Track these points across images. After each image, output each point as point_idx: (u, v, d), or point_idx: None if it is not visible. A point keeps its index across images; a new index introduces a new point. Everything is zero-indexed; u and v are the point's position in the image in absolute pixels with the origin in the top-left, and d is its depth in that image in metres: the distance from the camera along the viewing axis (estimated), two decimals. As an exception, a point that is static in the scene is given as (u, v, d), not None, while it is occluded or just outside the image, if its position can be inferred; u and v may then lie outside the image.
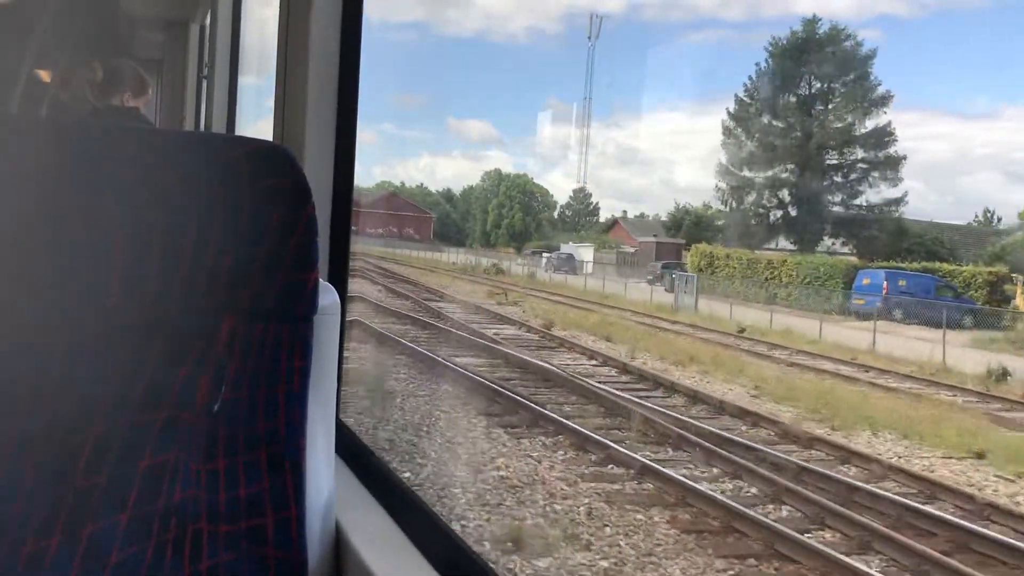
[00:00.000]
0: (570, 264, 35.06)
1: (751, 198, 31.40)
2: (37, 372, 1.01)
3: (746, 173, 31.45)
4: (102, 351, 1.03)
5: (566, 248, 38.37)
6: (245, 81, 3.95)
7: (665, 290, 26.07)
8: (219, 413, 1.06)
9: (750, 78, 31.16)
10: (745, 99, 31.24)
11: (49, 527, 0.97)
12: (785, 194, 30.72)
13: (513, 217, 45.78)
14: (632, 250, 36.25)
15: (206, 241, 1.06)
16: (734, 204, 31.91)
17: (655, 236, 35.64)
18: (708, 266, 28.08)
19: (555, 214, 46.73)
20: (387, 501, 1.37)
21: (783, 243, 30.31)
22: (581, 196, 45.49)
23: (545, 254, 37.71)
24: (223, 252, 1.06)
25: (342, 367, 1.34)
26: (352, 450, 1.54)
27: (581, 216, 45.42)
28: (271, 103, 1.85)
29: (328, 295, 1.17)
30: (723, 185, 31.79)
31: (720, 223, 33.81)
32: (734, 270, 27.41)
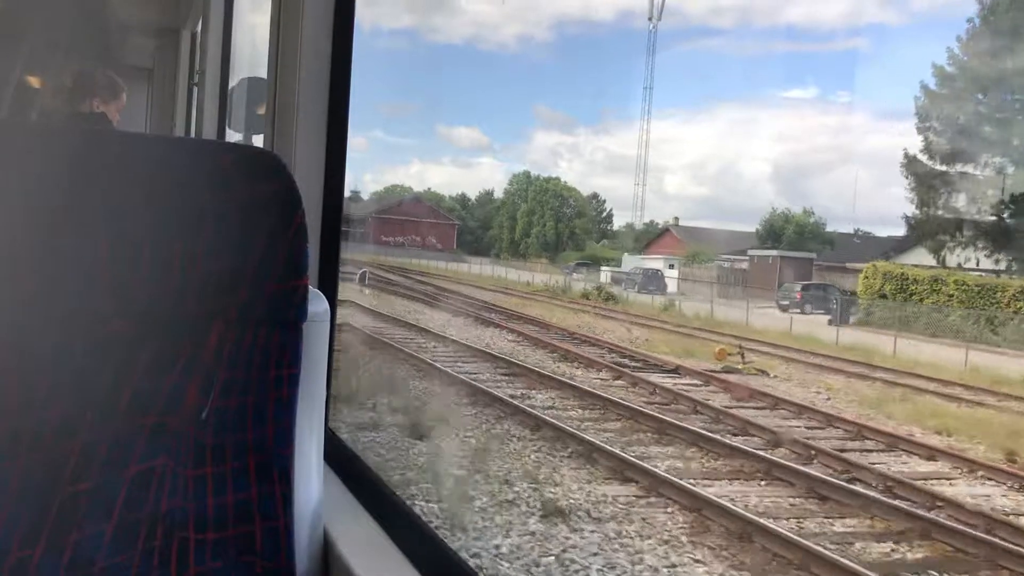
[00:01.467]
0: (658, 282, 29.22)
1: (954, 199, 21.72)
2: (25, 378, 1.00)
3: (946, 168, 21.85)
4: (90, 357, 1.02)
5: (630, 260, 33.43)
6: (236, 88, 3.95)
7: (828, 320, 20.04)
8: (207, 420, 1.05)
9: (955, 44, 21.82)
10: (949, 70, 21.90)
11: (34, 535, 0.97)
12: (1002, 193, 21.11)
13: (545, 225, 42.15)
14: (728, 264, 30.00)
15: (196, 247, 1.06)
16: (926, 207, 21.88)
17: (769, 247, 29.62)
18: (898, 291, 20.01)
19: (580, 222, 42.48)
20: (376, 509, 1.36)
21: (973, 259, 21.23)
22: (594, 203, 42.84)
23: (605, 268, 33.08)
24: (213, 258, 1.06)
25: (331, 374, 1.33)
26: (341, 458, 1.53)
27: (594, 223, 42.42)
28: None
29: (318, 302, 1.16)
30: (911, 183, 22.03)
31: (830, 231, 29.39)
32: (948, 298, 19.03)
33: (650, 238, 38.42)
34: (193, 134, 4.32)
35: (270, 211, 1.07)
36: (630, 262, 33.19)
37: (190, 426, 1.05)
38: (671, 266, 31.29)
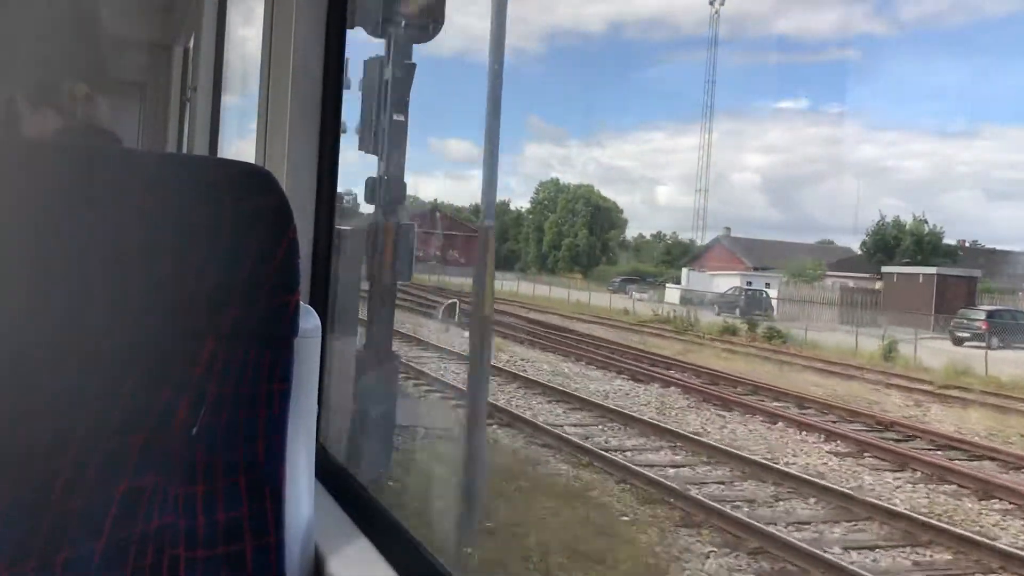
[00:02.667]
0: (763, 305, 24.01)
1: None
2: (14, 395, 0.99)
3: None
4: (80, 374, 1.02)
5: (697, 277, 28.22)
6: (228, 103, 3.96)
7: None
8: (198, 437, 1.04)
9: None
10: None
11: (23, 553, 0.96)
12: None
13: (576, 235, 37.88)
14: (853, 284, 24.63)
15: (187, 263, 1.05)
16: None
17: (907, 264, 24.21)
18: None
19: (627, 234, 37.64)
20: (368, 527, 1.35)
21: None
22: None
23: (672, 287, 28.62)
24: (204, 274, 1.06)
25: (323, 390, 1.32)
26: (333, 475, 1.53)
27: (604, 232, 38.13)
28: (254, 125, 1.85)
29: (309, 318, 1.16)
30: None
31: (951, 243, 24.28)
32: None
33: (670, 249, 35.34)
34: (185, 150, 4.32)
35: (261, 227, 1.07)
36: (698, 280, 28.42)
37: (180, 443, 1.04)
38: (767, 284, 26.66)
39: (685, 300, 26.00)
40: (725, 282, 27.08)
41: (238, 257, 1.06)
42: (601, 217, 38.37)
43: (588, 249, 37.36)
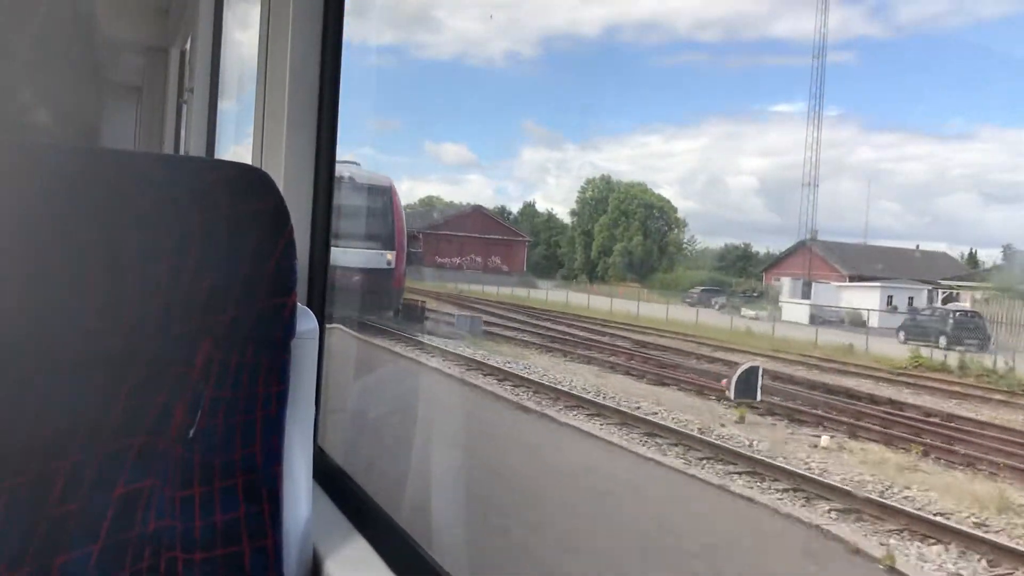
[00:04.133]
0: (977, 333, 17.48)
1: None
2: (11, 399, 0.99)
3: None
4: (77, 377, 1.01)
5: (826, 287, 22.64)
6: (225, 106, 3.95)
7: None
8: (195, 440, 1.04)
9: None
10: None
11: (20, 557, 0.95)
12: None
13: (631, 240, 33.28)
14: None
15: (183, 265, 1.05)
16: None
17: None
18: None
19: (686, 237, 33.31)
20: (366, 528, 1.35)
21: None
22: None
23: (787, 301, 23.09)
24: (200, 276, 1.05)
25: (320, 392, 1.32)
26: (330, 476, 1.52)
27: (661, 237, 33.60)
28: (251, 128, 1.84)
29: (307, 319, 1.16)
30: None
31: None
32: None
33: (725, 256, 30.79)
34: (182, 152, 4.31)
35: (258, 228, 1.07)
36: (824, 294, 23.06)
37: (178, 446, 1.04)
38: (910, 299, 20.61)
39: (817, 319, 20.78)
40: (860, 297, 21.47)
41: (235, 258, 1.06)
42: (656, 218, 34.31)
43: (644, 255, 32.93)
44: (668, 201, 34.66)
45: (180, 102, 4.65)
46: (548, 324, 18.64)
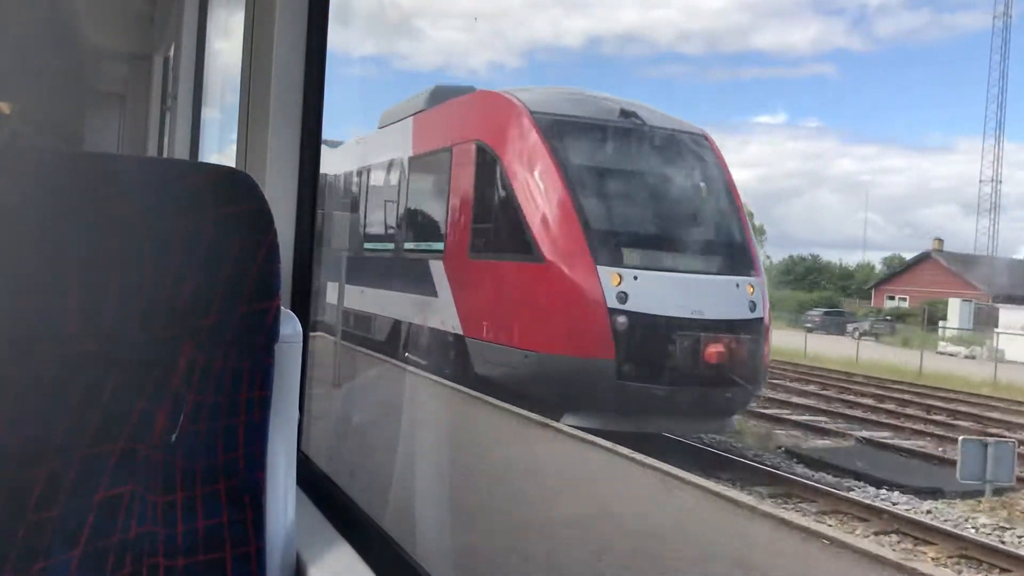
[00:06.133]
0: None
1: None
2: None
3: None
4: (57, 381, 1.00)
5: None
6: (209, 114, 3.94)
7: None
8: (177, 445, 1.03)
9: None
10: None
11: None
12: None
13: None
14: None
15: (165, 268, 1.04)
16: None
17: None
18: None
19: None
20: (350, 534, 1.34)
21: None
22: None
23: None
24: (182, 279, 1.04)
25: (304, 397, 1.31)
26: (314, 482, 1.51)
27: None
28: (235, 136, 1.84)
29: (290, 323, 1.15)
30: None
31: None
32: None
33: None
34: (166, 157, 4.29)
35: (241, 231, 1.06)
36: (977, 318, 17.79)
37: (159, 451, 1.02)
38: None
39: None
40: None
41: (217, 262, 1.05)
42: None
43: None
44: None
45: (164, 109, 4.63)
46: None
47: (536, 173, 9.91)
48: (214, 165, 1.13)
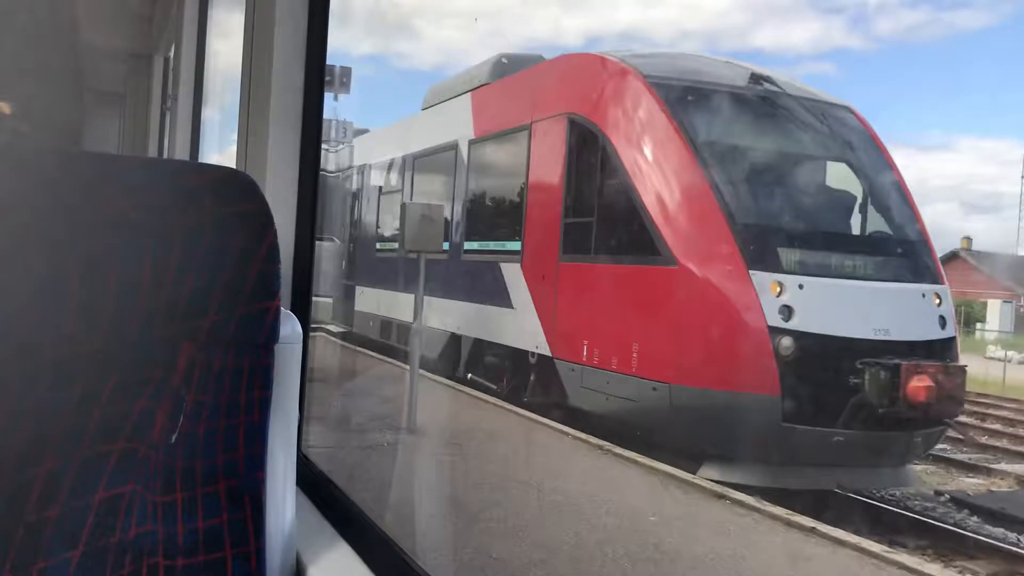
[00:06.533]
0: None
1: None
2: None
3: None
4: (56, 382, 1.00)
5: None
6: (209, 113, 3.94)
7: None
8: (176, 445, 1.03)
9: None
10: None
11: None
12: None
13: None
14: None
15: (165, 268, 1.04)
16: None
17: None
18: None
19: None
20: (350, 535, 1.34)
21: None
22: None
23: None
24: (182, 279, 1.05)
25: (304, 397, 1.31)
26: (314, 482, 1.51)
27: None
28: (235, 136, 1.84)
29: (290, 323, 1.15)
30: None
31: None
32: None
33: None
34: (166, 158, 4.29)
35: (241, 232, 1.06)
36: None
37: (159, 451, 1.03)
38: None
39: None
40: None
41: (217, 262, 1.05)
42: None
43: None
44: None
45: (164, 109, 4.63)
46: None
47: (659, 153, 7.65)
48: (214, 165, 1.13)
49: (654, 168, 7.67)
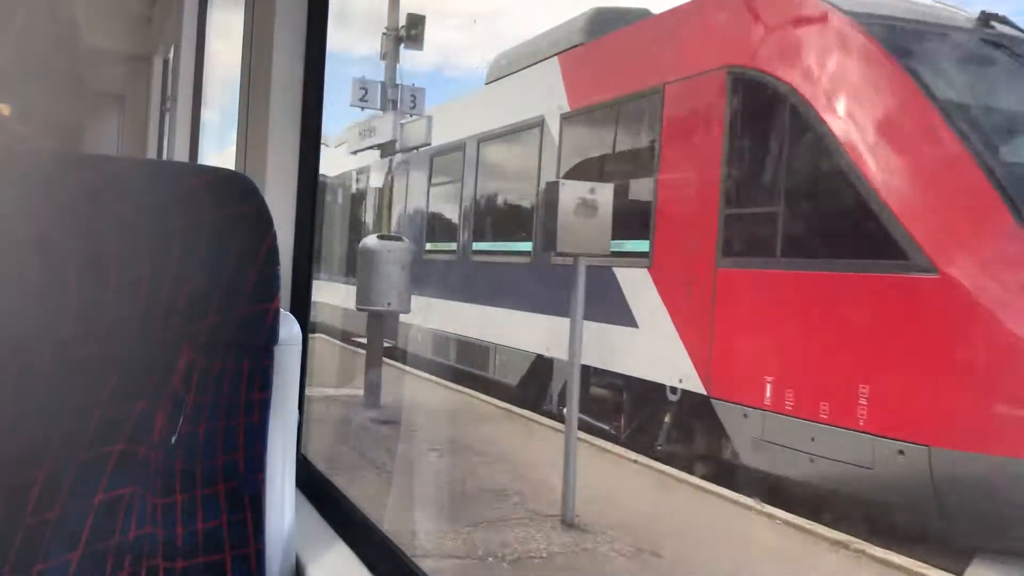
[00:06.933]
0: None
1: None
2: None
3: None
4: (56, 384, 1.00)
5: None
6: (208, 115, 3.94)
7: None
8: (176, 447, 1.03)
9: None
10: None
11: None
12: None
13: None
14: None
15: (164, 270, 1.04)
16: None
17: None
18: None
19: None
20: (349, 536, 1.34)
21: None
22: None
23: None
24: (181, 282, 1.04)
25: (304, 399, 1.31)
26: (313, 484, 1.51)
27: None
28: (235, 137, 1.84)
29: (290, 325, 1.15)
30: None
31: None
32: None
33: None
34: (165, 159, 4.29)
35: (240, 233, 1.06)
36: None
37: (159, 453, 1.02)
38: None
39: None
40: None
41: (217, 264, 1.05)
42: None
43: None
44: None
45: (163, 110, 4.63)
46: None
47: (891, 117, 5.49)
48: (213, 167, 1.13)
49: (884, 139, 5.48)
